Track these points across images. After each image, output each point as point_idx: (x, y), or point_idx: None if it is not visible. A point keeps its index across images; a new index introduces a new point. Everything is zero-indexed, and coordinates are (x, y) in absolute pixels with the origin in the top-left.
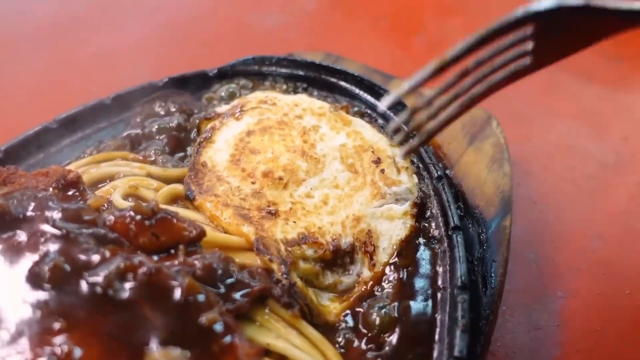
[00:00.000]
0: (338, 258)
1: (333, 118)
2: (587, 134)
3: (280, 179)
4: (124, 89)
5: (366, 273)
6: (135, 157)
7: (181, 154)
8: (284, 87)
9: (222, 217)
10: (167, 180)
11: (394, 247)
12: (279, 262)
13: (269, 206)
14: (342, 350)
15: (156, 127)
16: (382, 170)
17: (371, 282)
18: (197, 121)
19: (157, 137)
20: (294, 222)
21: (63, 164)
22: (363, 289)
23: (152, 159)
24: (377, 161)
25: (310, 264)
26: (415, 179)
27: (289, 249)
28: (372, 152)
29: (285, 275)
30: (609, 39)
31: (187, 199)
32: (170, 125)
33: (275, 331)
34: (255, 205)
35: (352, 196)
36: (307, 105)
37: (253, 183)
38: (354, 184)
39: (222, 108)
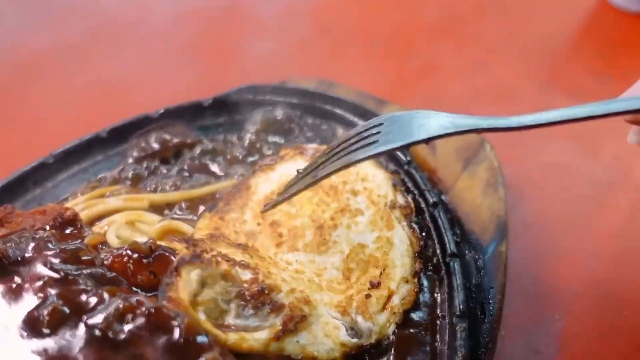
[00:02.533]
0: (258, 300)
1: (380, 214)
2: (579, 154)
3: (280, 235)
4: (119, 119)
5: (264, 335)
6: (133, 191)
7: (179, 183)
8: (279, 116)
9: (198, 233)
10: (171, 204)
11: (303, 356)
12: (187, 247)
13: (246, 247)
14: None
15: (152, 159)
16: (368, 296)
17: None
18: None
19: (152, 171)
20: (250, 256)
21: (60, 198)
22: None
23: (149, 190)
24: (375, 285)
25: (227, 285)
26: (390, 330)
27: (219, 259)
28: (381, 273)
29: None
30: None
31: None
32: (167, 156)
33: None
34: (239, 241)
35: (322, 290)
36: (372, 186)
37: (259, 224)
38: (335, 286)
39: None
